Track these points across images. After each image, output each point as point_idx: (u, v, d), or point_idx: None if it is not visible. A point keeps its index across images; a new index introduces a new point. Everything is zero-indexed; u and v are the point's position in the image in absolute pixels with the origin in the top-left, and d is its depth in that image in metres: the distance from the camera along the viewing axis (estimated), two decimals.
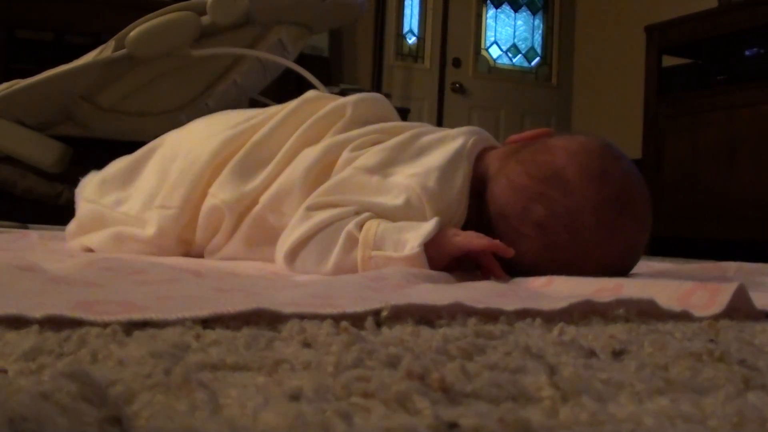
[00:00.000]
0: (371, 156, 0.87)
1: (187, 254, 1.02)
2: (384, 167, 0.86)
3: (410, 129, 0.94)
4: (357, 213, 0.81)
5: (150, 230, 0.98)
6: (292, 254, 0.81)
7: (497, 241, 0.78)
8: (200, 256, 1.01)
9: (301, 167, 0.91)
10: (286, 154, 0.95)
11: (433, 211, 0.81)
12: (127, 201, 1.05)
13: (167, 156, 1.05)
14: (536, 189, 0.81)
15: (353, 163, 0.87)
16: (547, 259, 0.79)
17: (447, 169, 0.84)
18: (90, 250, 1.04)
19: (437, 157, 0.86)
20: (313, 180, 0.89)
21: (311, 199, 0.84)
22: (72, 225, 1.08)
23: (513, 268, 0.80)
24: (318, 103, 1.01)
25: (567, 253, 0.79)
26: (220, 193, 0.95)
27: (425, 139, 0.90)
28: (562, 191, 0.80)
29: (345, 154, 0.89)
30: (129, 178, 1.07)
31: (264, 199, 0.93)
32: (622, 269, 0.83)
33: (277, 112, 1.02)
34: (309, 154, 0.92)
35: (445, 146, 0.88)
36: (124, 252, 1.00)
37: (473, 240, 0.78)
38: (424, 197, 0.81)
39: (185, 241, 1.00)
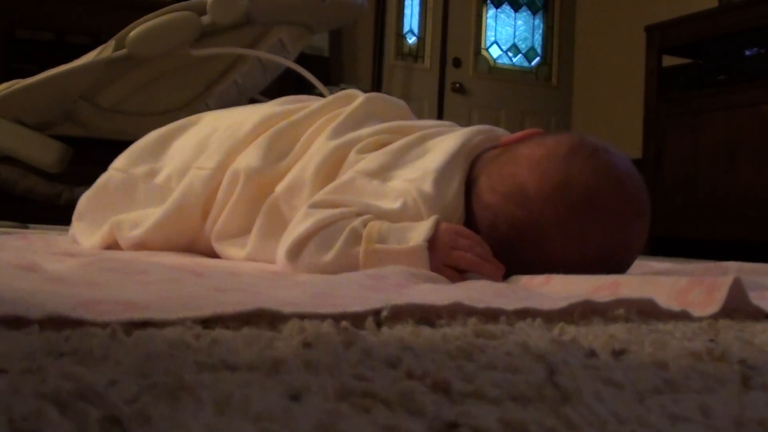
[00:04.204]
0: (373, 160, 0.88)
1: (196, 240, 1.02)
2: (384, 171, 0.86)
3: (420, 129, 0.94)
4: (358, 214, 0.81)
5: (181, 187, 1.00)
6: (296, 250, 0.81)
7: (490, 274, 0.77)
8: (209, 244, 1.01)
9: (312, 165, 0.93)
10: (305, 143, 0.98)
11: (429, 214, 0.80)
12: (162, 171, 1.05)
13: (205, 130, 1.08)
14: (500, 206, 0.81)
15: (356, 167, 0.88)
16: (523, 266, 0.78)
17: (444, 171, 0.83)
18: (108, 247, 1.04)
19: (435, 159, 0.85)
20: (323, 177, 0.91)
21: (315, 198, 0.85)
22: (90, 192, 1.07)
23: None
24: (347, 99, 1.04)
25: (539, 263, 0.77)
26: (244, 160, 0.98)
27: (430, 142, 0.90)
28: (524, 207, 0.79)
29: (351, 155, 0.91)
30: (161, 148, 1.09)
31: (279, 189, 0.95)
32: (611, 268, 0.78)
33: (318, 101, 1.06)
34: (319, 152, 0.94)
35: (444, 147, 0.88)
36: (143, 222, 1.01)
37: (451, 274, 0.77)
38: (420, 200, 0.81)
39: (205, 210, 1.00)
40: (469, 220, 0.85)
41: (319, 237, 0.80)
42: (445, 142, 0.89)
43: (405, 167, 0.87)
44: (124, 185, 1.06)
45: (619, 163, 0.82)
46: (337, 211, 0.81)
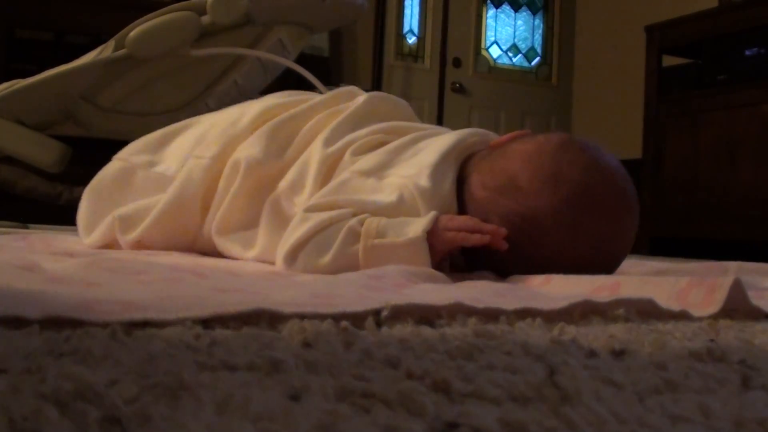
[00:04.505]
0: (368, 160, 0.89)
1: (197, 235, 1.02)
2: (380, 170, 0.87)
3: (415, 131, 0.95)
4: (355, 214, 0.81)
5: (180, 175, 1.00)
6: (292, 255, 0.81)
7: (491, 230, 0.78)
8: (209, 246, 1.01)
9: (314, 164, 0.93)
10: (304, 137, 0.98)
11: (426, 207, 0.81)
12: (162, 162, 1.06)
13: (204, 126, 1.09)
14: (491, 200, 0.82)
15: (351, 167, 0.89)
16: (519, 264, 0.79)
17: (438, 166, 0.84)
18: (107, 246, 1.04)
19: (429, 156, 0.86)
20: (323, 178, 0.91)
21: (310, 201, 0.85)
22: (94, 182, 1.08)
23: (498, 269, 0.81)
24: (348, 95, 1.05)
25: (535, 258, 0.78)
26: (245, 150, 0.98)
27: (424, 142, 0.91)
28: (516, 199, 0.80)
29: (346, 157, 0.91)
30: (162, 143, 1.10)
31: (282, 185, 0.95)
32: (605, 263, 0.80)
33: (318, 97, 1.07)
34: (317, 158, 0.94)
35: (438, 145, 0.88)
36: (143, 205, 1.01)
37: (467, 237, 0.78)
38: (417, 194, 0.81)
39: (205, 201, 1.00)
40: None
41: (316, 240, 0.80)
42: (439, 141, 0.90)
43: (400, 165, 0.87)
44: (123, 172, 1.06)
45: (608, 160, 0.83)
46: (333, 213, 0.81)
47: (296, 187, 0.93)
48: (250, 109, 1.05)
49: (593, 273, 0.74)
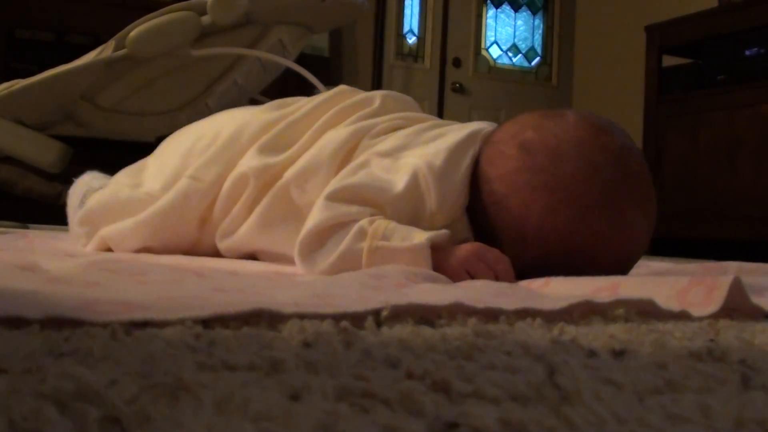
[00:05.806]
0: (387, 142, 0.90)
1: (197, 244, 1.03)
2: (397, 151, 0.88)
3: (432, 119, 0.97)
4: (372, 214, 0.81)
5: (173, 195, 0.99)
6: (309, 243, 0.81)
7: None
8: (211, 245, 1.01)
9: (328, 149, 0.93)
10: (312, 136, 0.97)
11: (436, 189, 0.82)
12: (146, 182, 1.06)
13: (189, 137, 1.07)
14: (533, 121, 0.84)
15: (370, 150, 0.89)
16: (522, 183, 0.79)
17: (456, 150, 0.85)
18: (107, 249, 1.04)
19: (449, 140, 0.87)
20: (339, 163, 0.91)
21: (330, 187, 0.85)
22: (81, 214, 1.08)
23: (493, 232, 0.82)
24: (350, 95, 1.05)
25: (543, 178, 0.79)
26: (245, 164, 0.97)
27: (443, 128, 0.92)
28: (558, 123, 0.82)
29: (364, 141, 0.92)
30: (141, 166, 1.10)
31: (289, 174, 0.94)
32: (618, 251, 0.80)
33: (311, 100, 1.06)
34: (336, 137, 0.94)
35: (461, 130, 0.89)
36: (134, 229, 1.01)
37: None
38: (429, 175, 0.82)
39: (203, 219, 1.00)
40: (473, 208, 0.86)
41: (332, 240, 0.80)
42: (458, 128, 0.91)
43: (418, 147, 0.88)
44: (109, 196, 1.07)
45: (645, 173, 0.84)
46: (353, 209, 0.81)
47: (307, 171, 0.92)
48: (248, 125, 1.02)
49: (602, 261, 0.76)
